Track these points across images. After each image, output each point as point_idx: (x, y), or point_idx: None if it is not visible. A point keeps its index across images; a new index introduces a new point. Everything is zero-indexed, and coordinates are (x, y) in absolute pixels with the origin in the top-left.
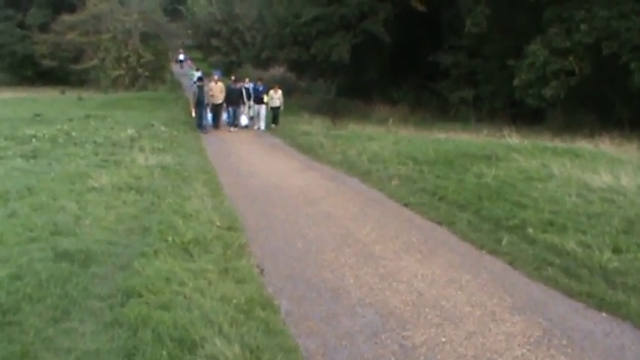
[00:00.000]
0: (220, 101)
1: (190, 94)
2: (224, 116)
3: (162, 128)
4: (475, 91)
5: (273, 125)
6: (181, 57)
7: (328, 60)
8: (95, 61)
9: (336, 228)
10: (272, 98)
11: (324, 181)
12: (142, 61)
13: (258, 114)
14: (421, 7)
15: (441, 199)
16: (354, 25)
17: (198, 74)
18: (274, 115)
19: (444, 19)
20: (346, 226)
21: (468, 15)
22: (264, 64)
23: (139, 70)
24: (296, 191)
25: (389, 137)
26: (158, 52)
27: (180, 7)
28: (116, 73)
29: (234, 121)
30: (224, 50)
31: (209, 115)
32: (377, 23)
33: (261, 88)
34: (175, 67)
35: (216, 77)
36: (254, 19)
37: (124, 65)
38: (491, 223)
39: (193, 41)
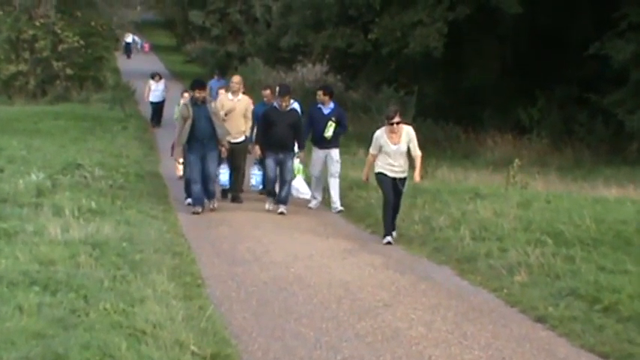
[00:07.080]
0: (241, 139)
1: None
2: (254, 174)
3: (98, 172)
4: None
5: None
6: (129, 39)
7: (402, 52)
8: None
9: (408, 359)
10: (391, 153)
11: (390, 274)
12: (62, 48)
13: (326, 170)
14: None
15: (606, 310)
16: None
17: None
18: (391, 202)
19: None
20: (428, 355)
21: None
22: (286, 58)
23: (56, 65)
24: (338, 292)
25: (510, 194)
26: (91, 33)
27: None
28: (12, 68)
29: (278, 187)
30: (214, 33)
31: (222, 171)
32: None
33: (329, 110)
34: (122, 60)
35: (234, 82)
36: None
37: (26, 55)
38: None
39: (156, 14)
